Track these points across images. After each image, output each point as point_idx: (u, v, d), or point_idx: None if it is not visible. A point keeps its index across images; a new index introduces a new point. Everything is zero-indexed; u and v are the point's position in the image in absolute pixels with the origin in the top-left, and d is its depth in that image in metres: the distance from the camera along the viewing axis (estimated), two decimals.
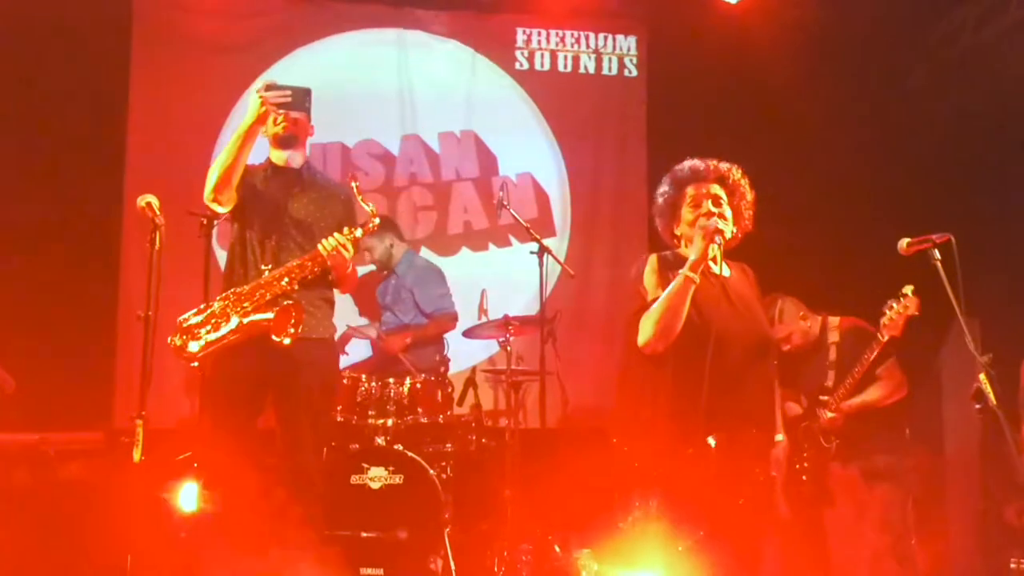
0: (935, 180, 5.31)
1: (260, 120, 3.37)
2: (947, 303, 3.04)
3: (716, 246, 2.73)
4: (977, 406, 2.95)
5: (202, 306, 3.39)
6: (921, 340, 5.01)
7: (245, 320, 3.30)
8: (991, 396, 2.89)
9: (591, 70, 6.27)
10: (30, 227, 5.21)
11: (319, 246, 3.35)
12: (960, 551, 4.85)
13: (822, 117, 5.55)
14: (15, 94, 5.30)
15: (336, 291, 3.71)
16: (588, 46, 6.29)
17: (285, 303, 3.32)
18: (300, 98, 3.36)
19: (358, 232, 3.42)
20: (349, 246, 3.37)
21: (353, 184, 3.53)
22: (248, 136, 3.37)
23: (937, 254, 3.12)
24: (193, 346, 3.31)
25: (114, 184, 5.52)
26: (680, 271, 2.68)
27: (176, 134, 5.72)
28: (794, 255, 5.32)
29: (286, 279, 3.34)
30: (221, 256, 5.45)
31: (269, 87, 3.36)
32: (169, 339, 3.34)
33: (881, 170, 5.60)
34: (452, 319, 5.14)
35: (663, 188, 2.94)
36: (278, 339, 3.27)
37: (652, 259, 2.85)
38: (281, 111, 3.41)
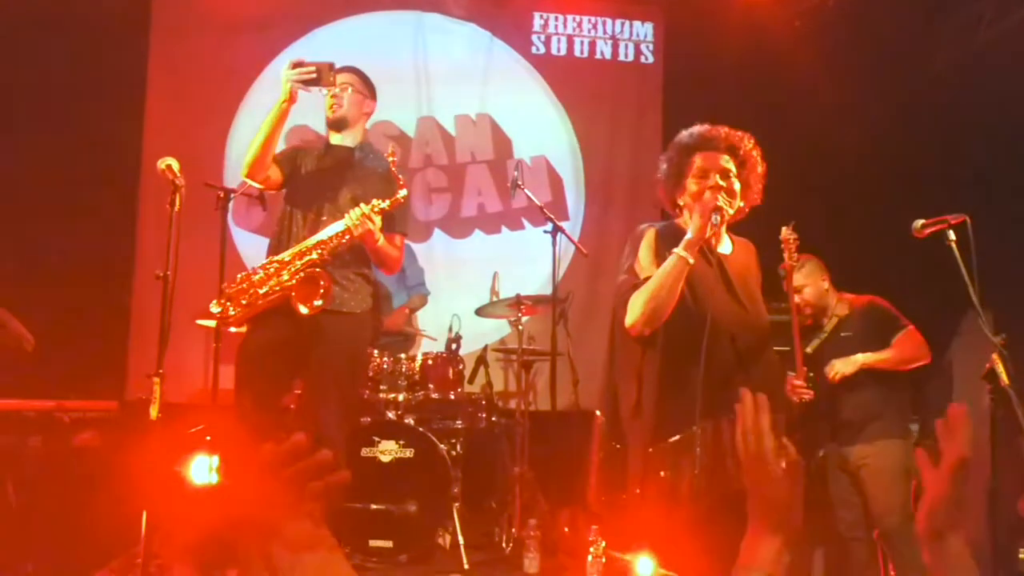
0: (952, 168, 5.28)
1: (289, 99, 3.36)
2: (959, 293, 3.03)
3: (714, 225, 2.56)
4: (989, 387, 2.97)
5: (241, 275, 3.43)
6: (932, 330, 5.00)
7: (277, 288, 3.33)
8: (1003, 376, 2.90)
9: (607, 56, 6.28)
10: (48, 199, 5.27)
11: (345, 217, 3.35)
12: (969, 540, 4.84)
13: (839, 103, 5.52)
14: (38, 68, 5.34)
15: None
16: (605, 32, 6.29)
17: (309, 273, 3.32)
18: (324, 73, 3.35)
19: (384, 203, 3.40)
20: (375, 218, 3.35)
21: (391, 157, 3.52)
22: (279, 116, 3.38)
23: (952, 235, 3.13)
24: (232, 312, 3.36)
25: (132, 159, 5.57)
26: (674, 250, 2.53)
27: (193, 111, 5.76)
28: (809, 238, 5.29)
29: (317, 250, 3.35)
30: (236, 232, 5.52)
31: (295, 65, 3.35)
32: (211, 305, 3.39)
33: (898, 156, 5.57)
34: (427, 295, 5.36)
35: (669, 154, 2.78)
36: (300, 308, 3.28)
37: (649, 234, 2.69)
38: (311, 88, 3.40)
